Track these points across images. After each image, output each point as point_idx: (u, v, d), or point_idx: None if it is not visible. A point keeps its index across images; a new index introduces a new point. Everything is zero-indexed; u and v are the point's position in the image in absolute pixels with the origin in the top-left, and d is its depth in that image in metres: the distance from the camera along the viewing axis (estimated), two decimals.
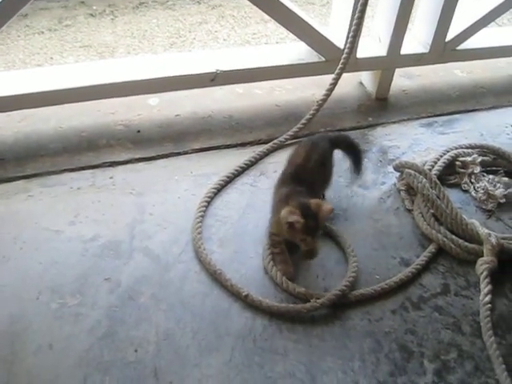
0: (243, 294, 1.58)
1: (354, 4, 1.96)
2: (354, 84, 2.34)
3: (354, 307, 1.62)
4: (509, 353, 1.57)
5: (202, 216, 1.78)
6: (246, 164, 1.94)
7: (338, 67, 1.95)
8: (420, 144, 2.11)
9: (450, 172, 1.98)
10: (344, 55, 1.95)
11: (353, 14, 1.93)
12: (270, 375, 1.45)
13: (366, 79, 2.28)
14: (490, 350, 1.54)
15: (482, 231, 1.73)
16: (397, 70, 2.30)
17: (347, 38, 1.95)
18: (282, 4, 1.92)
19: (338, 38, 2.04)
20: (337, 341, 1.54)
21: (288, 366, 1.48)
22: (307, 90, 2.25)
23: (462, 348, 1.57)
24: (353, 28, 1.92)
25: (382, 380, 1.47)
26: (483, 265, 1.69)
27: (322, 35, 2.01)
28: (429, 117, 2.24)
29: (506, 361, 1.54)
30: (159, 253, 1.69)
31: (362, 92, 2.31)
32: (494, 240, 1.70)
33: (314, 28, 2.02)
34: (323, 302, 1.57)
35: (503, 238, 1.77)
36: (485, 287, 1.65)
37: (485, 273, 1.67)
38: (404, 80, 2.40)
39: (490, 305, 1.62)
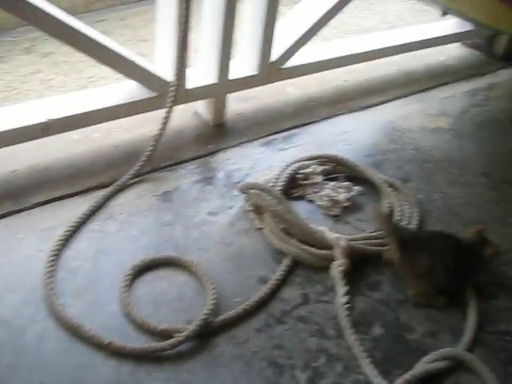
0: (105, 342, 1.57)
1: (176, 36, 2.01)
2: (190, 114, 2.40)
3: (219, 334, 1.65)
4: (374, 346, 1.67)
5: (52, 271, 1.74)
6: (91, 210, 1.93)
7: (168, 101, 2.00)
8: (262, 163, 2.19)
9: (294, 185, 2.08)
10: (172, 88, 2.00)
11: (176, 46, 1.98)
12: None
13: (201, 108, 2.35)
14: (355, 348, 1.63)
15: (331, 236, 1.82)
16: (231, 95, 2.38)
17: (174, 70, 2.00)
18: (104, 46, 1.95)
19: (166, 72, 2.09)
20: (207, 371, 1.56)
21: None
22: (145, 126, 2.27)
23: (330, 352, 1.64)
24: (177, 60, 1.97)
25: (259, 381, 1.51)
26: (336, 268, 1.78)
27: (149, 71, 2.06)
28: (267, 136, 2.34)
29: (371, 355, 1.63)
30: (10, 317, 1.63)
31: (199, 121, 2.37)
32: (343, 243, 1.80)
33: (139, 65, 2.06)
34: (187, 335, 1.58)
35: (352, 240, 1.88)
36: (340, 289, 1.74)
37: (339, 275, 1.76)
38: (239, 104, 2.49)
39: (347, 305, 1.71)
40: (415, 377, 1.59)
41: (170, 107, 2.00)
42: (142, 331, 1.62)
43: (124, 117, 2.14)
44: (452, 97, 2.83)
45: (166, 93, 2.07)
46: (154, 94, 2.11)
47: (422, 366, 1.63)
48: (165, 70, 2.09)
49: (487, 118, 2.72)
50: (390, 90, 2.77)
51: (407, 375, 1.59)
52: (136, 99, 2.09)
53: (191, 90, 2.18)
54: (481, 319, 1.79)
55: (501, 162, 2.46)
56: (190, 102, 2.21)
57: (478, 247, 1.83)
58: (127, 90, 2.14)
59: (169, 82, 2.05)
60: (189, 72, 2.17)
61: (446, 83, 2.92)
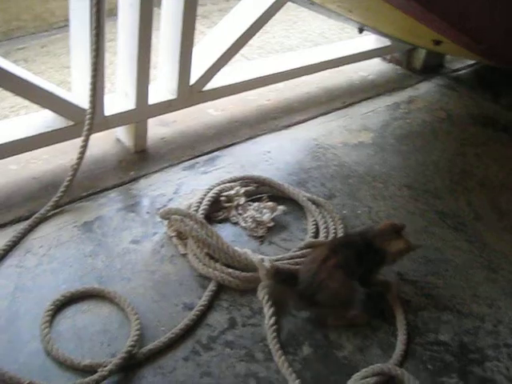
0: (25, 383, 1.51)
1: (90, 64, 1.99)
2: (111, 141, 2.37)
3: (145, 365, 1.62)
4: (303, 367, 1.67)
5: None
6: (7, 246, 1.87)
7: (85, 129, 1.97)
8: (185, 187, 2.19)
9: (218, 208, 2.07)
10: (88, 116, 1.97)
11: (90, 74, 1.96)
12: None
13: (122, 134, 2.32)
14: (283, 369, 1.63)
15: (255, 258, 1.82)
16: (152, 120, 2.37)
17: (88, 98, 1.97)
18: (16, 76, 1.90)
19: (82, 100, 2.05)
20: None
21: None
22: (65, 156, 2.23)
23: (259, 375, 1.64)
24: (91, 87, 1.95)
25: None
26: (263, 290, 1.78)
27: (64, 99, 2.03)
28: (190, 159, 2.33)
29: (301, 375, 1.63)
30: None
31: (121, 148, 2.34)
32: (267, 264, 1.80)
33: (54, 94, 2.03)
34: (111, 369, 1.55)
35: (277, 260, 1.88)
36: (268, 310, 1.74)
37: (266, 297, 1.76)
38: (160, 128, 2.47)
39: (275, 326, 1.71)
40: None
41: (87, 136, 1.98)
42: (65, 368, 1.58)
43: (39, 147, 2.10)
44: (374, 111, 2.89)
45: (84, 121, 2.03)
46: (70, 123, 2.08)
47: (353, 383, 1.63)
48: (81, 98, 2.05)
49: (408, 131, 2.78)
50: (312, 107, 2.81)
51: None
52: (51, 129, 2.06)
53: (110, 116, 2.16)
54: (409, 331, 1.81)
55: (423, 173, 2.52)
56: (108, 129, 2.19)
57: (382, 241, 1.81)
58: (43, 119, 2.11)
59: (85, 110, 2.02)
60: (107, 99, 2.14)
61: (368, 98, 2.98)
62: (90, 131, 1.99)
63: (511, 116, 3.05)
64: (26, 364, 1.58)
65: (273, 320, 1.73)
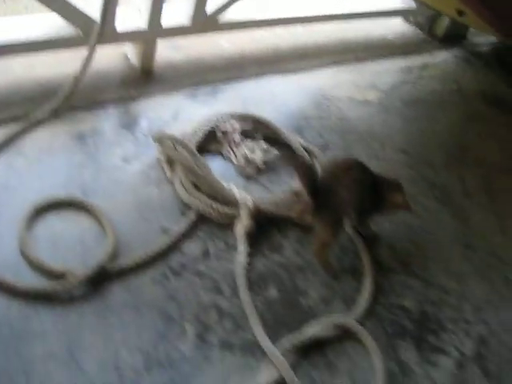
0: None
1: None
2: (119, 57, 2.36)
3: (115, 281, 1.67)
4: (267, 308, 1.73)
5: None
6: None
7: (92, 39, 1.97)
8: (183, 114, 2.20)
9: (212, 141, 2.09)
10: (96, 27, 1.96)
11: None
12: (29, 359, 1.46)
13: (131, 52, 2.32)
14: (246, 307, 1.67)
15: (239, 195, 1.85)
16: (163, 42, 2.36)
17: (100, 8, 1.96)
18: None
19: (94, 10, 2.04)
20: (97, 315, 1.59)
21: (47, 346, 1.50)
22: (71, 65, 2.20)
23: (222, 308, 1.69)
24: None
25: (145, 348, 1.54)
26: (242, 228, 1.81)
27: (75, 7, 2.01)
28: (193, 87, 2.33)
29: (263, 316, 1.69)
30: None
31: (128, 65, 2.35)
32: (250, 203, 1.83)
33: (67, 1, 2.01)
34: (81, 279, 1.60)
35: (260, 201, 1.91)
36: (241, 248, 1.78)
37: (241, 234, 1.80)
38: (171, 51, 2.47)
39: (246, 264, 1.75)
40: (301, 341, 1.65)
41: (93, 47, 1.98)
42: (37, 270, 1.63)
43: (45, 51, 2.09)
44: (385, 71, 2.87)
45: (92, 32, 2.03)
46: (79, 32, 2.07)
47: (310, 331, 1.69)
48: (93, 8, 2.04)
49: (416, 97, 2.77)
50: (325, 56, 2.79)
51: (294, 339, 1.64)
52: (60, 35, 2.06)
53: (120, 31, 2.14)
54: (375, 291, 1.86)
55: (422, 142, 2.53)
56: (116, 43, 2.19)
57: (387, 188, 1.85)
58: (52, 24, 2.09)
59: (95, 21, 2.01)
60: (119, 12, 2.12)
61: (381, 57, 2.96)
62: (97, 42, 1.98)
63: None
64: (1, 261, 1.62)
65: (243, 257, 1.77)
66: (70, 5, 1.99)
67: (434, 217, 2.20)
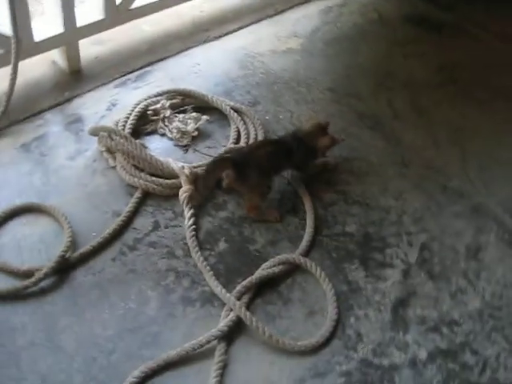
0: None
1: None
2: (47, 64, 2.50)
3: (78, 267, 1.86)
4: (218, 260, 1.93)
5: None
6: None
7: (12, 56, 2.11)
8: (117, 104, 2.36)
9: (145, 122, 2.26)
10: (13, 43, 2.11)
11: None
12: (14, 350, 1.66)
13: (57, 57, 2.46)
14: (199, 263, 1.87)
15: (176, 166, 2.03)
16: (87, 40, 2.50)
17: (11, 25, 2.10)
18: None
19: (8, 28, 2.17)
20: (67, 301, 1.78)
21: (28, 337, 1.69)
22: (3, 83, 2.31)
23: (178, 270, 1.88)
24: (10, 14, 2.07)
25: (114, 320, 1.74)
26: (183, 194, 1.99)
27: None
28: (122, 76, 2.49)
29: (216, 268, 1.89)
30: None
31: (57, 70, 2.48)
32: (187, 171, 2.01)
33: None
34: (46, 272, 1.79)
35: (198, 166, 2.08)
36: (187, 212, 1.96)
37: (185, 200, 1.98)
38: (95, 47, 2.60)
39: (193, 226, 1.94)
40: (253, 282, 1.84)
41: (15, 63, 2.12)
42: (7, 274, 1.82)
43: None
44: (305, 16, 3.00)
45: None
46: (1, 52, 2.20)
47: (261, 272, 1.88)
48: (6, 26, 2.17)
49: (338, 35, 2.92)
50: (245, 16, 2.92)
51: (246, 282, 1.83)
52: None
53: (39, 41, 2.28)
54: (318, 225, 2.05)
55: (348, 76, 2.68)
56: (39, 53, 2.32)
57: (311, 139, 2.09)
58: None
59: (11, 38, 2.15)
60: (35, 24, 2.27)
61: (300, 3, 3.07)
62: (18, 58, 2.13)
63: (446, 16, 3.15)
64: None
65: (192, 221, 1.96)
66: None
67: (367, 144, 2.38)
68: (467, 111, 2.58)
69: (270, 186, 2.05)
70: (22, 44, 2.17)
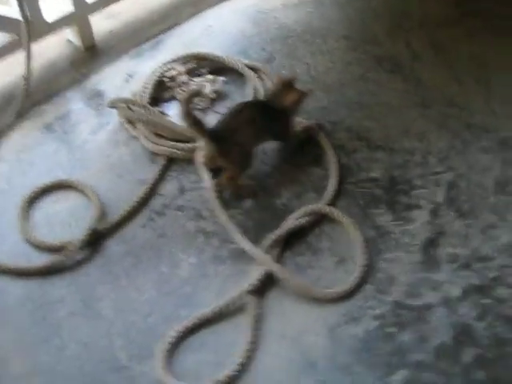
0: (11, 267, 1.83)
1: None
2: (62, 44, 2.53)
3: (109, 237, 1.91)
4: (245, 217, 1.97)
5: None
6: None
7: (24, 39, 2.16)
8: (134, 75, 2.38)
9: (163, 89, 2.28)
10: (23, 26, 2.15)
11: None
12: (55, 322, 1.73)
13: (70, 35, 2.49)
14: (225, 223, 1.90)
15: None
16: (99, 14, 2.52)
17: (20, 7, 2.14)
18: None
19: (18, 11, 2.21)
20: (102, 270, 1.84)
21: (67, 308, 1.76)
22: (20, 66, 2.37)
23: (207, 230, 1.92)
24: None
25: (149, 285, 1.80)
26: (199, 156, 2.01)
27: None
28: (136, 47, 2.50)
29: (244, 225, 1.92)
30: None
31: (72, 48, 2.51)
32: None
33: None
34: (79, 245, 1.85)
35: None
36: (203, 174, 1.99)
37: (201, 161, 2.00)
38: (108, 21, 2.62)
39: (213, 186, 1.96)
40: (280, 235, 1.87)
41: (28, 45, 2.17)
42: (42, 250, 1.88)
43: None
44: None
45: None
46: (14, 36, 2.25)
47: (287, 223, 1.91)
48: (17, 9, 2.21)
49: None
50: None
51: (274, 235, 1.86)
52: None
53: (50, 21, 2.32)
54: (342, 173, 2.05)
55: (361, 21, 2.64)
56: (51, 33, 2.36)
57: (277, 97, 2.02)
58: None
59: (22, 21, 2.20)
60: (44, 5, 2.30)
61: None
62: (30, 40, 2.17)
63: None
64: (10, 252, 1.89)
65: (210, 182, 1.97)
66: None
67: (386, 87, 2.36)
68: (489, 44, 2.52)
69: (250, 160, 2.00)
70: (32, 26, 2.20)
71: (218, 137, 1.91)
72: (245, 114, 1.94)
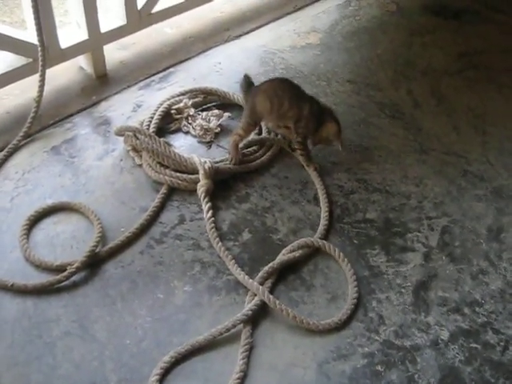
0: (9, 284, 1.86)
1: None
2: (75, 70, 2.61)
3: (108, 261, 1.95)
4: (242, 250, 2.00)
5: None
6: None
7: (40, 64, 2.23)
8: (142, 105, 2.45)
9: (170, 121, 2.35)
10: (40, 51, 2.23)
11: (32, 10, 2.19)
12: (50, 341, 1.76)
13: (84, 62, 2.57)
14: (221, 254, 1.95)
15: (198, 161, 2.11)
16: (112, 45, 2.61)
17: (37, 34, 2.22)
18: None
19: (36, 37, 2.29)
20: (99, 293, 1.87)
21: (62, 328, 1.79)
22: (35, 90, 2.41)
23: (204, 260, 1.96)
24: (35, 23, 2.19)
25: (144, 310, 1.83)
26: (200, 188, 2.08)
27: (18, 39, 2.26)
28: (146, 78, 2.58)
29: (240, 257, 1.97)
30: None
31: (84, 75, 2.59)
32: (206, 165, 2.09)
33: (7, 35, 2.26)
34: (78, 266, 1.89)
35: (220, 161, 2.17)
36: (205, 205, 2.05)
37: (203, 194, 2.06)
38: (120, 52, 2.71)
39: (212, 218, 2.02)
40: (274, 267, 1.91)
41: (43, 70, 2.24)
42: (41, 270, 1.92)
43: (6, 85, 2.35)
44: (324, 12, 3.06)
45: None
46: (30, 60, 2.32)
47: (281, 257, 1.96)
48: (34, 35, 2.29)
49: (356, 28, 2.97)
50: (264, 14, 2.99)
51: (267, 267, 1.91)
52: (12, 68, 2.30)
53: (66, 48, 2.40)
54: (339, 212, 2.11)
55: (366, 67, 2.73)
56: (66, 60, 2.44)
57: (326, 115, 2.19)
58: (3, 60, 2.33)
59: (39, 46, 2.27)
60: (61, 32, 2.38)
61: None
62: (45, 65, 2.24)
63: (465, 3, 3.18)
64: (10, 270, 1.92)
65: (210, 213, 2.03)
66: (13, 38, 2.25)
67: (387, 132, 2.43)
68: (488, 97, 2.62)
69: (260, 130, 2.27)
70: (48, 52, 2.28)
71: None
72: (274, 82, 2.21)
